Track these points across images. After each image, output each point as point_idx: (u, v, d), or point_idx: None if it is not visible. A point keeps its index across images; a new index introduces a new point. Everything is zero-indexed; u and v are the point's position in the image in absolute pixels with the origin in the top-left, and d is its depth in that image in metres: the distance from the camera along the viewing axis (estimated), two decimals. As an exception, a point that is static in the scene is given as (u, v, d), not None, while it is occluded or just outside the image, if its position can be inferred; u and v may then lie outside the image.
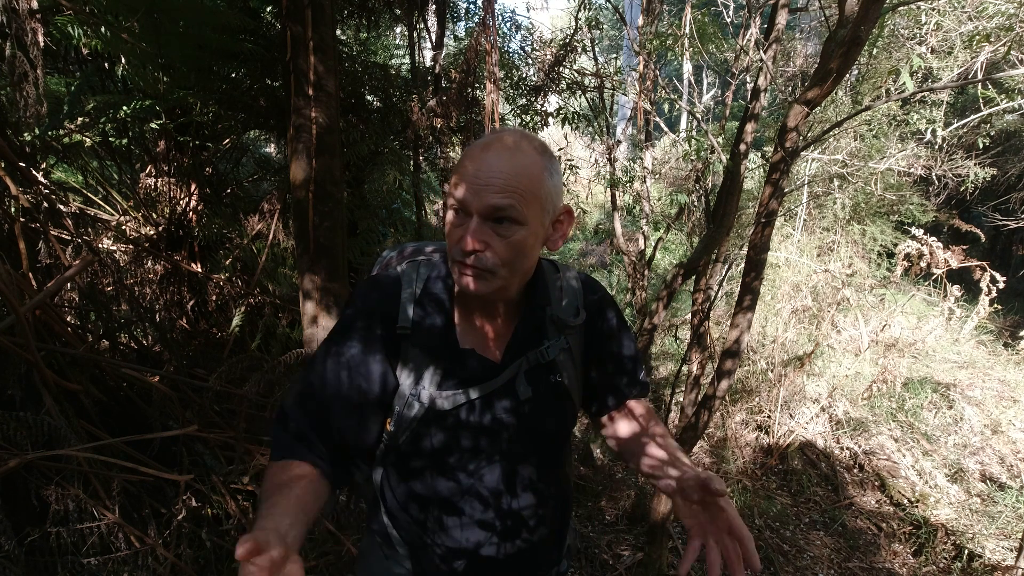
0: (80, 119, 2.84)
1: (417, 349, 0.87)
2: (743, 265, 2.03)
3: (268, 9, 3.46)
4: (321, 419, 0.86)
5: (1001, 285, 2.81)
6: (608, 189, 4.74)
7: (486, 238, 0.80)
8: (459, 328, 0.91)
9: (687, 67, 3.65)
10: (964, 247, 3.04)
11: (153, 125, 3.00)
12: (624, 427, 1.04)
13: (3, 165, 2.12)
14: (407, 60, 5.74)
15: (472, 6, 5.50)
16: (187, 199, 3.28)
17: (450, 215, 0.84)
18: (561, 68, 4.15)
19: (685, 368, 3.76)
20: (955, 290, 3.23)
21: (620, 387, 1.04)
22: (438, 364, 0.88)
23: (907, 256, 3.07)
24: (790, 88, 6.13)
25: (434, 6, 4.58)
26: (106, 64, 3.15)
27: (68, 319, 2.56)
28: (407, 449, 0.91)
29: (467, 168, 0.80)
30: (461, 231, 0.81)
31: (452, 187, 0.83)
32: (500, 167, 0.79)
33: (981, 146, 4.59)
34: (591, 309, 0.99)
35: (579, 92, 4.40)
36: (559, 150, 4.57)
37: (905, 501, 3.32)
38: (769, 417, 3.90)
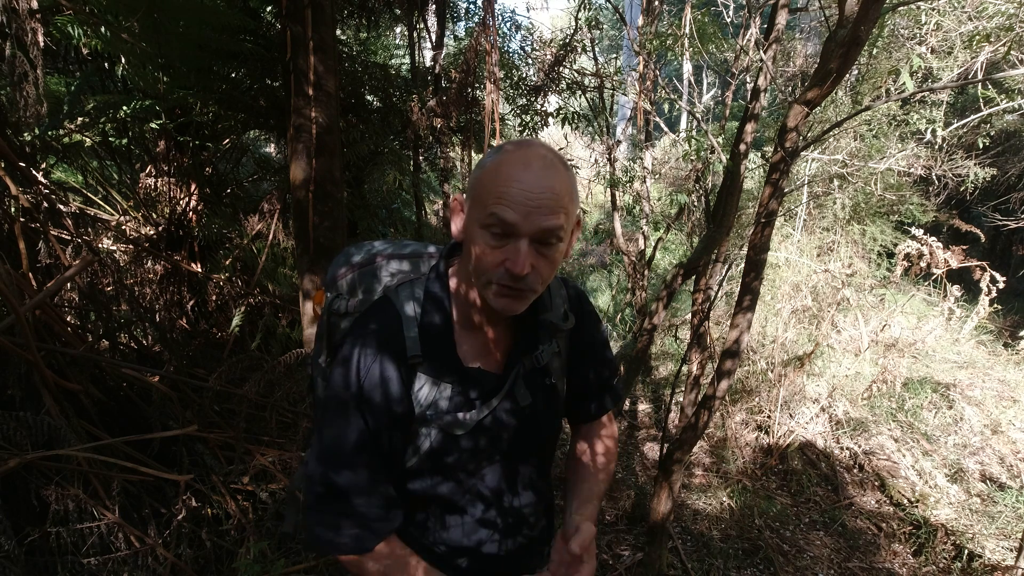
0: (80, 119, 2.84)
1: (426, 375, 0.88)
2: (743, 265, 2.03)
3: (268, 9, 3.46)
4: (378, 471, 0.86)
5: (1001, 285, 2.81)
6: (608, 189, 4.74)
7: (532, 260, 0.79)
8: (459, 345, 0.91)
9: (687, 67, 3.65)
10: (964, 247, 3.04)
11: (153, 125, 3.00)
12: (598, 442, 1.09)
13: (3, 165, 2.12)
14: (407, 60, 5.74)
15: (472, 6, 5.50)
16: (187, 199, 3.28)
17: (483, 235, 0.79)
18: (561, 68, 4.16)
19: (685, 368, 3.76)
20: (955, 290, 3.23)
21: (603, 394, 1.08)
22: (446, 385, 0.88)
23: (907, 256, 3.07)
24: (790, 88, 6.13)
25: (434, 6, 4.59)
26: (106, 64, 3.15)
27: (68, 319, 2.56)
28: (409, 455, 0.91)
29: (511, 190, 0.76)
30: (503, 255, 0.78)
31: (490, 207, 0.77)
32: (546, 187, 0.77)
33: (981, 146, 4.60)
34: (577, 315, 1.02)
35: (579, 92, 4.40)
36: (559, 150, 4.57)
37: (905, 501, 3.32)
38: (769, 417, 3.90)
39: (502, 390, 0.91)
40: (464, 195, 0.89)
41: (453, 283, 0.93)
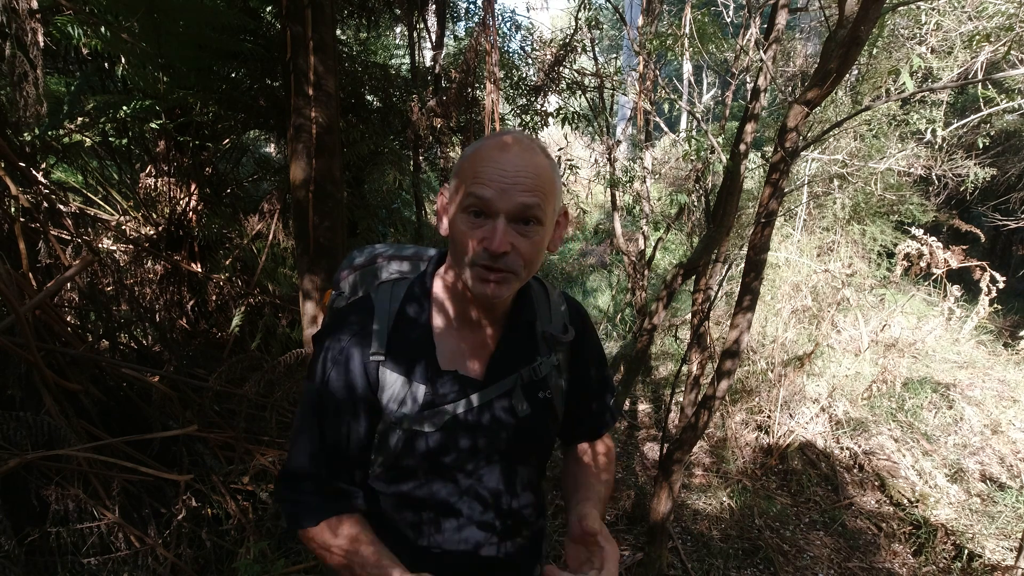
0: (80, 119, 2.84)
1: (395, 374, 0.86)
2: (743, 265, 2.03)
3: (268, 9, 3.46)
4: (331, 462, 0.88)
5: (1001, 285, 2.81)
6: (608, 189, 4.74)
7: (512, 239, 0.79)
8: (439, 345, 0.89)
9: (687, 67, 3.65)
10: (964, 247, 3.03)
11: (153, 125, 3.00)
12: (588, 460, 1.06)
13: (3, 165, 2.12)
14: (407, 60, 5.74)
15: (472, 6, 5.50)
16: (187, 199, 3.28)
17: (462, 218, 0.80)
18: (561, 68, 4.15)
19: (685, 368, 3.76)
20: (955, 290, 3.23)
21: (597, 416, 1.06)
22: (418, 385, 0.87)
23: (907, 256, 3.07)
24: (790, 88, 6.13)
25: (434, 6, 4.59)
26: (106, 64, 3.15)
27: (68, 319, 2.56)
28: (389, 461, 0.90)
29: (487, 169, 0.78)
30: (483, 232, 0.78)
31: (468, 188, 0.79)
32: (524, 166, 0.78)
33: (981, 146, 4.59)
34: (577, 329, 1.00)
35: (579, 92, 4.40)
36: (559, 150, 4.57)
37: (905, 501, 3.32)
38: (769, 417, 3.90)
39: (481, 393, 0.89)
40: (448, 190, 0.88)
41: (440, 284, 0.92)
